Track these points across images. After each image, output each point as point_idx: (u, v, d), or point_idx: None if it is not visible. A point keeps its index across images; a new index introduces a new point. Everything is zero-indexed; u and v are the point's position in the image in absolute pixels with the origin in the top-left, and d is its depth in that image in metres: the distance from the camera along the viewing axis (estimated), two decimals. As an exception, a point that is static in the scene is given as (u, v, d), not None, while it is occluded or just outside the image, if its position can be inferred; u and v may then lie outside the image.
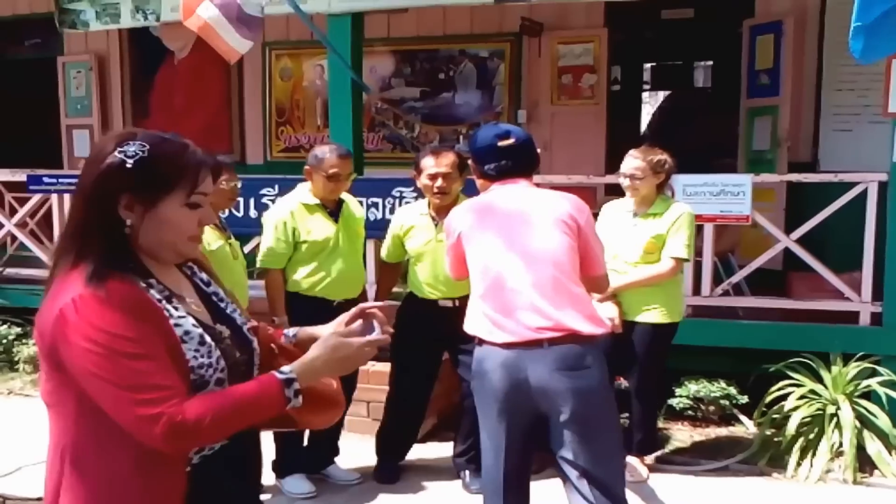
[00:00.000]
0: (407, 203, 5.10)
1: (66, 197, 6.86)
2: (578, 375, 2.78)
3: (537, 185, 5.41)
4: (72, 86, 9.20)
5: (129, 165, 1.60)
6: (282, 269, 4.19)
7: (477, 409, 3.03)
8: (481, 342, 2.91)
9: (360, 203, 4.79)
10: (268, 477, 4.26)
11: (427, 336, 4.25)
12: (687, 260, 4.34)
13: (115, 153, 1.61)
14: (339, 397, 1.91)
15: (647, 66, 12.55)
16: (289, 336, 1.97)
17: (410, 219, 4.30)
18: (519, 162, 3.09)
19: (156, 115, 9.08)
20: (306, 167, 4.21)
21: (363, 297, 4.41)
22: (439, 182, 4.08)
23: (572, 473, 2.81)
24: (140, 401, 1.50)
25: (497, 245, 2.94)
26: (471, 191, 4.71)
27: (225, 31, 4.87)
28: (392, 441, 4.50)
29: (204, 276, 1.86)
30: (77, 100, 9.20)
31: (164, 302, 1.63)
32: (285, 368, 1.66)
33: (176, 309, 1.65)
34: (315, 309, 3.98)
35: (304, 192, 4.22)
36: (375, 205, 5.28)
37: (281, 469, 4.32)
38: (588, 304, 2.93)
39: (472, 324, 2.98)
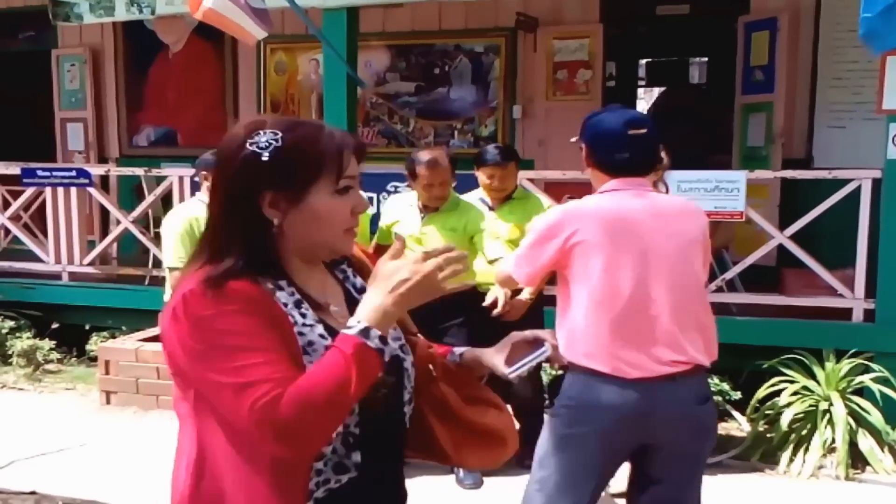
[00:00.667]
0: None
1: (60, 190, 6.85)
2: (706, 409, 2.64)
3: (531, 180, 5.42)
4: (66, 79, 9.17)
5: (265, 158, 1.42)
6: None
7: (552, 437, 2.67)
8: (594, 373, 2.54)
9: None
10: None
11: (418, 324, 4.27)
12: None
13: (247, 146, 1.43)
14: (507, 434, 1.65)
15: (643, 62, 12.55)
16: (454, 355, 1.73)
17: (399, 211, 4.46)
18: (647, 156, 2.70)
19: (150, 108, 9.06)
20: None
21: None
22: (436, 191, 4.23)
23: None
24: (241, 390, 1.31)
25: (637, 268, 2.54)
26: (467, 187, 4.73)
27: (238, 17, 4.84)
28: None
29: (358, 281, 1.64)
30: (71, 93, 9.16)
31: (290, 307, 1.44)
32: (350, 321, 1.39)
33: (303, 316, 1.44)
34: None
35: None
36: (370, 199, 5.28)
37: None
38: (711, 330, 2.66)
39: (583, 352, 2.56)
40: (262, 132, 1.43)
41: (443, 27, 7.96)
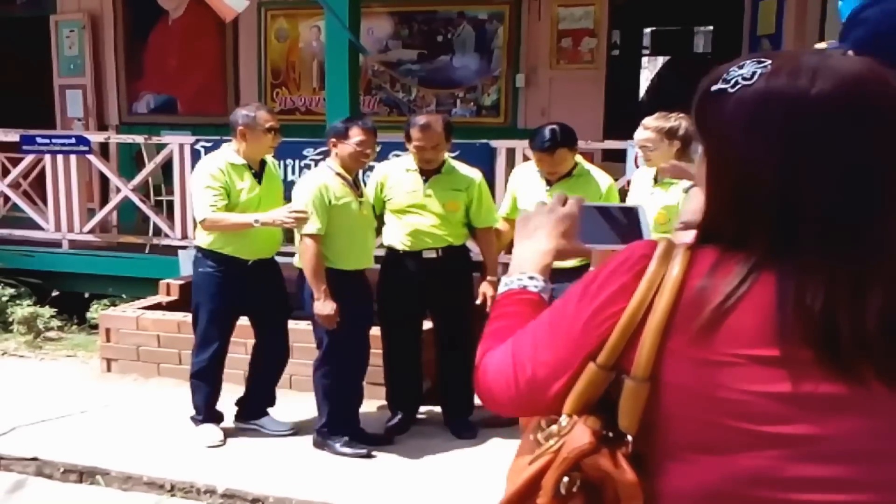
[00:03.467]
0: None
1: (60, 158, 6.81)
2: None
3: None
4: (64, 45, 9.08)
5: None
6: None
7: None
8: None
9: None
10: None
11: (413, 290, 4.41)
12: None
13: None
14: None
15: (647, 30, 12.43)
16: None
17: (395, 173, 4.47)
18: None
19: (150, 75, 8.99)
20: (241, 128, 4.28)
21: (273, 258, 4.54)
22: (427, 154, 4.29)
23: None
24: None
25: None
26: (468, 156, 4.68)
27: None
28: (399, 397, 4.63)
29: None
30: (70, 59, 9.08)
31: None
32: (533, 279, 1.24)
33: None
34: (228, 267, 4.32)
35: (230, 153, 4.32)
36: (371, 168, 5.23)
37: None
38: None
39: None
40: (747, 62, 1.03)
41: (446, -6, 7.87)
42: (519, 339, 1.14)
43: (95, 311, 6.39)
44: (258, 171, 4.36)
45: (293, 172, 5.94)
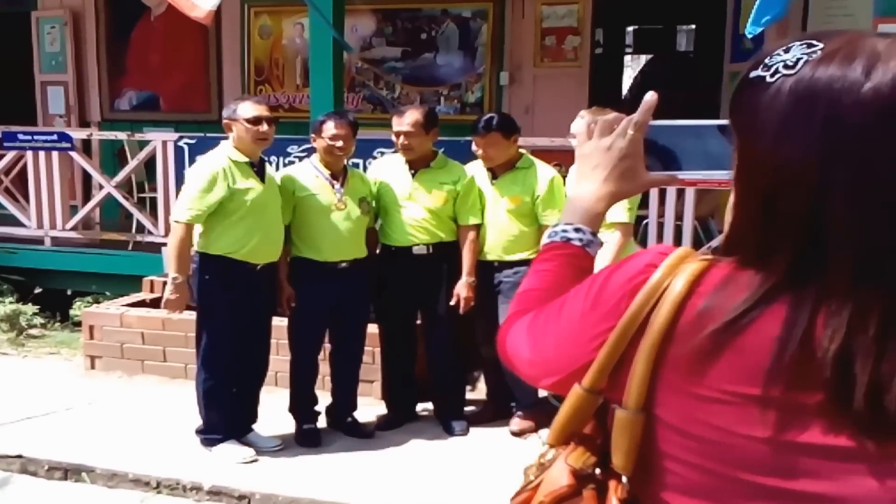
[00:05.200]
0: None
1: (42, 154, 6.77)
2: None
3: (521, 148, 5.39)
4: (46, 41, 9.02)
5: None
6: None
7: None
8: None
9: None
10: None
11: (404, 286, 4.44)
12: (628, 223, 4.07)
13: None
14: None
15: (630, 28, 12.48)
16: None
17: (385, 170, 4.55)
18: None
19: (132, 72, 8.94)
20: (226, 121, 4.11)
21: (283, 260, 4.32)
22: (402, 140, 4.32)
23: None
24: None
25: None
26: (453, 154, 4.70)
27: None
28: (396, 394, 4.67)
29: None
30: (51, 55, 9.02)
31: None
32: (578, 231, 1.12)
33: None
34: (238, 273, 4.03)
35: (231, 149, 4.09)
36: (356, 165, 5.24)
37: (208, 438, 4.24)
38: None
39: None
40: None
41: (430, -9, 7.87)
42: (536, 322, 1.03)
43: (79, 309, 6.36)
44: (259, 169, 4.14)
45: (277, 170, 5.93)
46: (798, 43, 0.84)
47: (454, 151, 4.76)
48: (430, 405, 4.74)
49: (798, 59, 0.82)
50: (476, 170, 4.50)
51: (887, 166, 0.77)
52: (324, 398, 4.55)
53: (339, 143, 4.20)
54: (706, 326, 0.82)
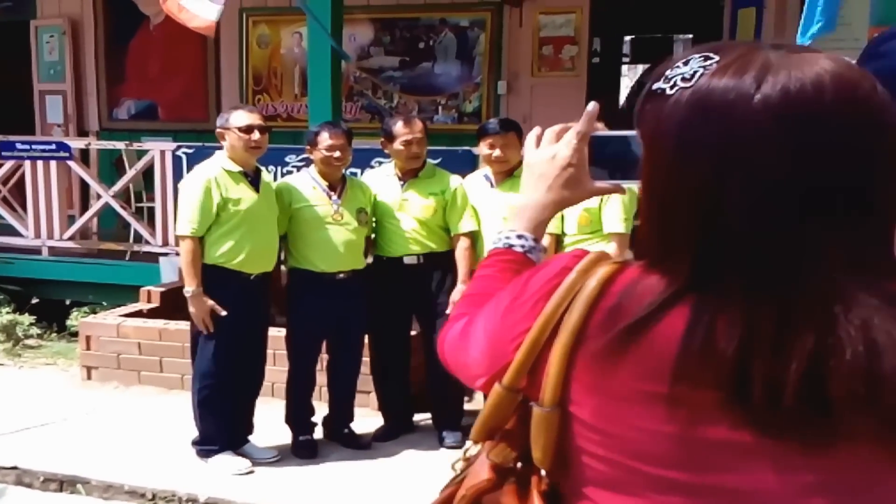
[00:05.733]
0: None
1: (40, 164, 6.77)
2: None
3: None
4: (44, 50, 9.03)
5: None
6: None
7: None
8: None
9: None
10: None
11: (396, 297, 4.42)
12: (625, 233, 3.99)
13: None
14: None
15: (627, 38, 12.51)
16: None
17: (376, 181, 4.53)
18: None
19: (131, 81, 8.94)
20: (219, 130, 4.08)
21: (277, 270, 4.35)
22: (414, 148, 4.30)
23: None
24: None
25: None
26: (450, 163, 4.70)
27: (189, 1, 4.78)
28: (390, 405, 4.65)
29: None
30: (50, 64, 9.03)
31: None
32: (521, 238, 1.15)
33: None
34: (232, 282, 4.02)
35: (224, 159, 4.08)
36: (354, 175, 5.24)
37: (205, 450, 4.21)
38: None
39: None
40: None
41: (428, 1, 7.89)
42: (468, 326, 1.05)
43: (75, 319, 6.34)
44: (254, 179, 4.12)
45: (275, 179, 5.93)
46: (696, 56, 0.86)
47: (452, 161, 4.77)
48: (429, 416, 4.73)
49: (695, 72, 0.84)
50: (476, 180, 4.49)
51: (778, 175, 0.79)
52: (320, 409, 4.54)
53: (337, 154, 4.20)
54: (616, 326, 0.85)
